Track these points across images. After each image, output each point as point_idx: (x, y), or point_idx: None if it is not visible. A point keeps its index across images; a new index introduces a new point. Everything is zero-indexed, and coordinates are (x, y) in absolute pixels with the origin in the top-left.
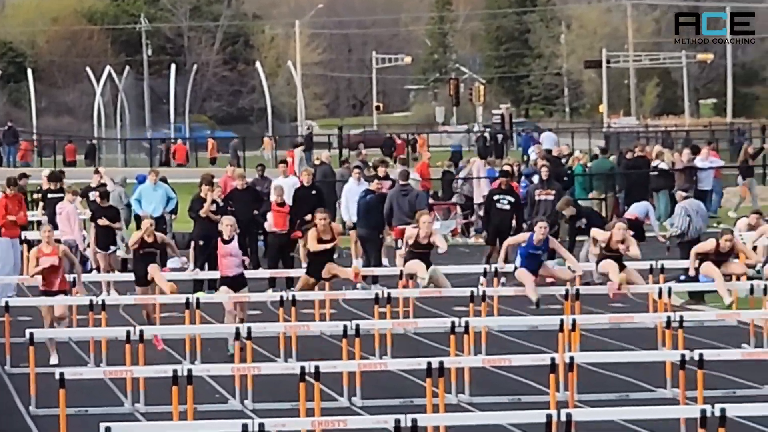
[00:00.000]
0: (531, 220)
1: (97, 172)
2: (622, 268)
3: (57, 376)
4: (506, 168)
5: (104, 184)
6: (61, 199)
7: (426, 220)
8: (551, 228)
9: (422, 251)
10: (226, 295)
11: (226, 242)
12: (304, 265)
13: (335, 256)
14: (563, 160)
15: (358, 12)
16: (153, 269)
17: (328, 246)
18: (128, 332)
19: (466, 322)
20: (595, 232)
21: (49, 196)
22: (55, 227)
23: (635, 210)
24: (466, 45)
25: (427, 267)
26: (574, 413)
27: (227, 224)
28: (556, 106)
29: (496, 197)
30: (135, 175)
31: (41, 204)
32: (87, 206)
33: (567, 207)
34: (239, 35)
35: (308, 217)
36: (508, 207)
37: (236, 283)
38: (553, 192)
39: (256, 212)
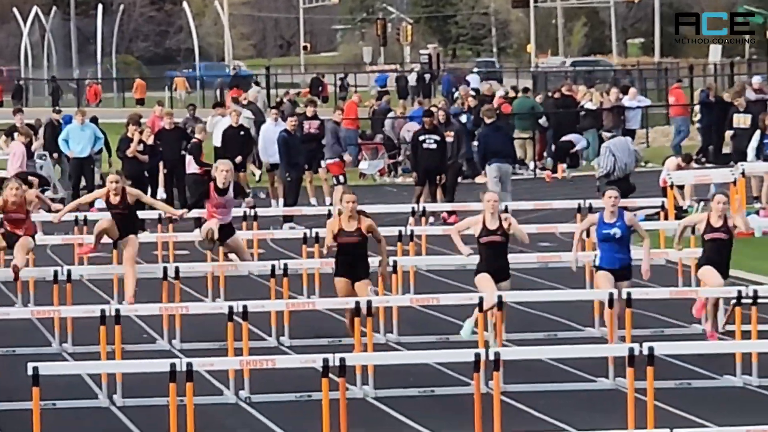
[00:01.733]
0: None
1: (18, 111)
2: None
3: None
4: (432, 108)
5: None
6: None
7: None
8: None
9: None
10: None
11: (220, 192)
12: None
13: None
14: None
15: None
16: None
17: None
18: (55, 272)
19: (395, 262)
20: None
21: None
22: None
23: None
24: None
25: None
26: (503, 352)
27: (222, 170)
28: (483, 46)
29: (422, 138)
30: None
31: None
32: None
33: None
34: None
35: (238, 159)
36: (434, 146)
37: (224, 231)
38: (452, 133)
39: (183, 152)
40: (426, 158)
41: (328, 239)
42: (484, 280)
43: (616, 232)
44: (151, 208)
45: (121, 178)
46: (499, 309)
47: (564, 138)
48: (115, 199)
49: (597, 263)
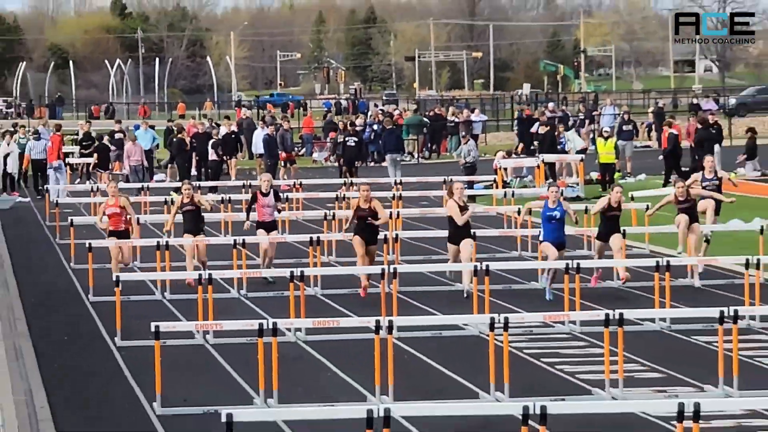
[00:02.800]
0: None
1: (118, 121)
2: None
3: None
4: (355, 120)
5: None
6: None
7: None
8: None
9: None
10: (262, 237)
11: (264, 195)
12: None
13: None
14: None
15: (270, 26)
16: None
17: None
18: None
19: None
20: None
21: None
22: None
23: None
24: (334, 47)
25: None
26: (400, 268)
27: (264, 180)
28: (388, 84)
29: (346, 138)
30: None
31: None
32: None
33: None
34: (197, 40)
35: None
36: (353, 144)
37: (269, 226)
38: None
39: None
40: (348, 152)
41: (352, 213)
42: (356, 242)
43: (556, 214)
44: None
45: (191, 185)
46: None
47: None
48: (186, 200)
49: (541, 238)
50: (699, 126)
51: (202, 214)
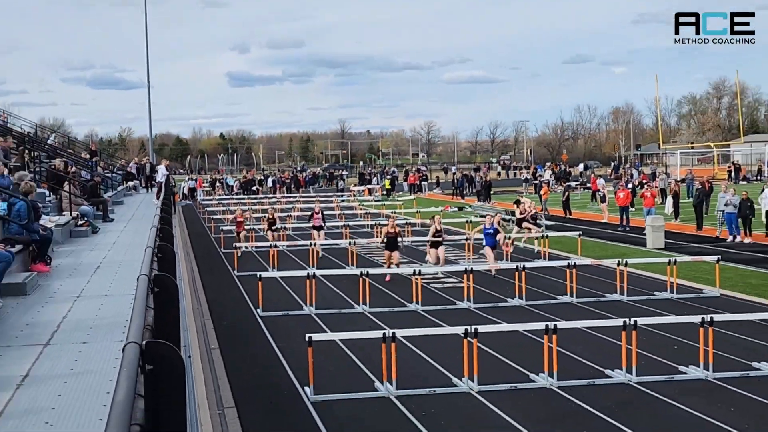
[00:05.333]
0: None
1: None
2: None
3: None
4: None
5: None
6: None
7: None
8: None
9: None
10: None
11: (316, 213)
12: None
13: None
14: None
15: None
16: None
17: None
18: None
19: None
20: None
21: None
22: None
23: None
24: None
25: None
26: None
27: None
28: None
29: None
30: None
31: None
32: None
33: None
34: None
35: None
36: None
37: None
38: None
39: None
40: None
41: (383, 234)
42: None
43: (491, 230)
44: None
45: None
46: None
47: None
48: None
49: (484, 243)
50: None
51: None
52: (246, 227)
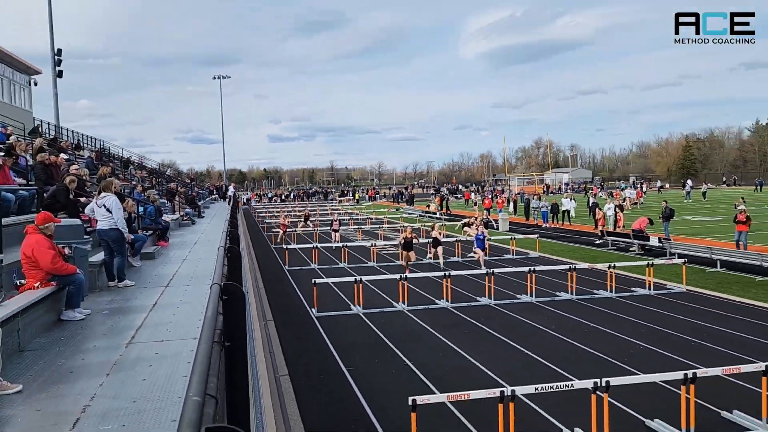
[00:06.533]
0: None
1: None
2: None
3: None
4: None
5: None
6: None
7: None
8: None
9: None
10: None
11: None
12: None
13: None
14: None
15: None
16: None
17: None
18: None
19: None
20: None
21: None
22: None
23: None
24: None
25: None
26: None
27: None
28: None
29: None
30: None
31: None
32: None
33: None
34: None
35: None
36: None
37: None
38: None
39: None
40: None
41: (400, 239)
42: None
43: (481, 236)
44: None
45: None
46: None
47: None
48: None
49: (474, 246)
50: None
51: None
52: (288, 229)
